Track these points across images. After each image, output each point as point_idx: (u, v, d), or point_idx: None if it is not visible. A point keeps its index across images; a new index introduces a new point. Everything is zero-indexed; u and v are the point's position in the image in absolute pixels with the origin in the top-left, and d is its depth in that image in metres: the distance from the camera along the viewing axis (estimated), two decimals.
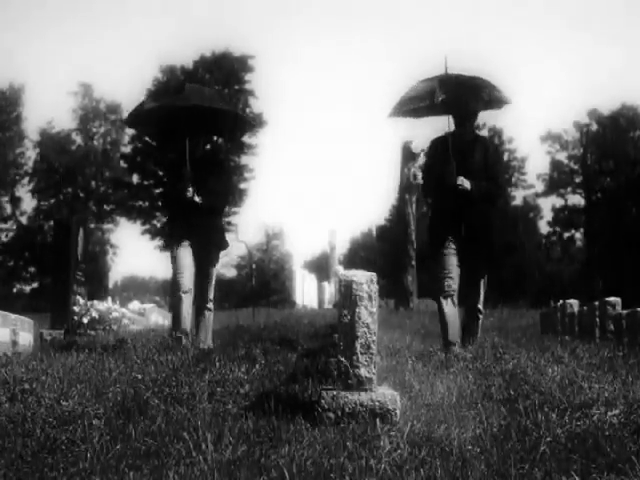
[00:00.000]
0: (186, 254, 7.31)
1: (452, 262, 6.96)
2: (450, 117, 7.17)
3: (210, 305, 7.51)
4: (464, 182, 6.92)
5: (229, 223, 48.26)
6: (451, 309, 6.95)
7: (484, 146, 7.26)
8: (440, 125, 7.35)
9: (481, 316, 7.20)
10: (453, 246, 6.98)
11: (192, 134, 7.44)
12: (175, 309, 7.35)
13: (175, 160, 7.70)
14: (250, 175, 50.61)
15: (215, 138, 9.00)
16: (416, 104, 7.29)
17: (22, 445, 3.45)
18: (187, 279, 7.26)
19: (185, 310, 7.21)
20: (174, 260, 7.32)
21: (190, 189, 7.22)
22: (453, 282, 6.94)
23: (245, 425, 3.71)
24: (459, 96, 7.11)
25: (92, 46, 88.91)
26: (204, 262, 7.40)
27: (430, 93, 7.16)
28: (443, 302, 6.95)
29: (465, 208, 6.95)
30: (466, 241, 6.96)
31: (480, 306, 7.13)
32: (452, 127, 7.16)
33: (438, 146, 7.22)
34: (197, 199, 7.26)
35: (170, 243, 7.50)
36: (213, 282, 7.53)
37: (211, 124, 7.65)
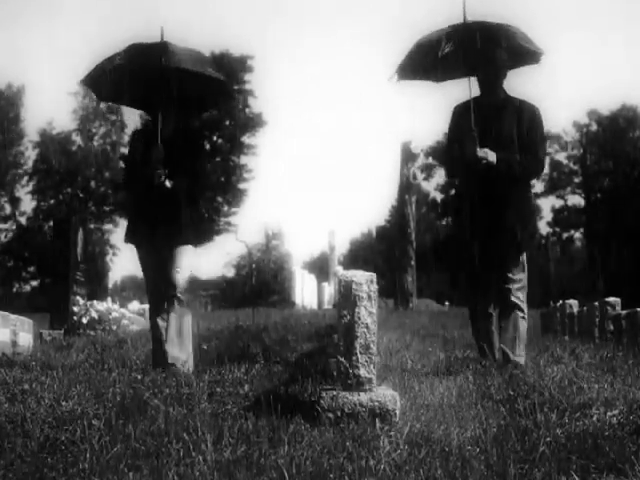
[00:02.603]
0: (152, 258, 6.11)
1: (483, 264, 5.78)
2: (473, 79, 5.89)
3: (180, 295, 6.04)
4: (487, 154, 5.67)
5: (229, 223, 48.40)
6: (488, 327, 5.83)
7: (517, 110, 5.87)
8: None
9: (520, 314, 5.75)
10: (482, 238, 5.77)
11: (169, 104, 6.15)
12: (154, 331, 6.12)
13: (143, 135, 6.39)
14: (250, 175, 50.74)
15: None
16: (423, 60, 5.95)
17: (22, 445, 3.45)
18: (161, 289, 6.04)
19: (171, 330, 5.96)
20: (141, 265, 6.19)
21: (160, 171, 5.94)
22: (487, 294, 5.81)
23: (245, 425, 3.70)
24: (480, 47, 5.71)
25: (92, 46, 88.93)
26: (170, 254, 6.06)
27: (439, 43, 5.79)
28: (480, 321, 5.85)
29: (491, 186, 5.73)
30: (493, 226, 5.76)
31: (515, 300, 5.75)
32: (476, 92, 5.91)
33: (459, 114, 5.94)
34: (168, 184, 5.98)
35: (133, 239, 6.23)
36: (179, 265, 6.07)
37: (194, 92, 6.27)
